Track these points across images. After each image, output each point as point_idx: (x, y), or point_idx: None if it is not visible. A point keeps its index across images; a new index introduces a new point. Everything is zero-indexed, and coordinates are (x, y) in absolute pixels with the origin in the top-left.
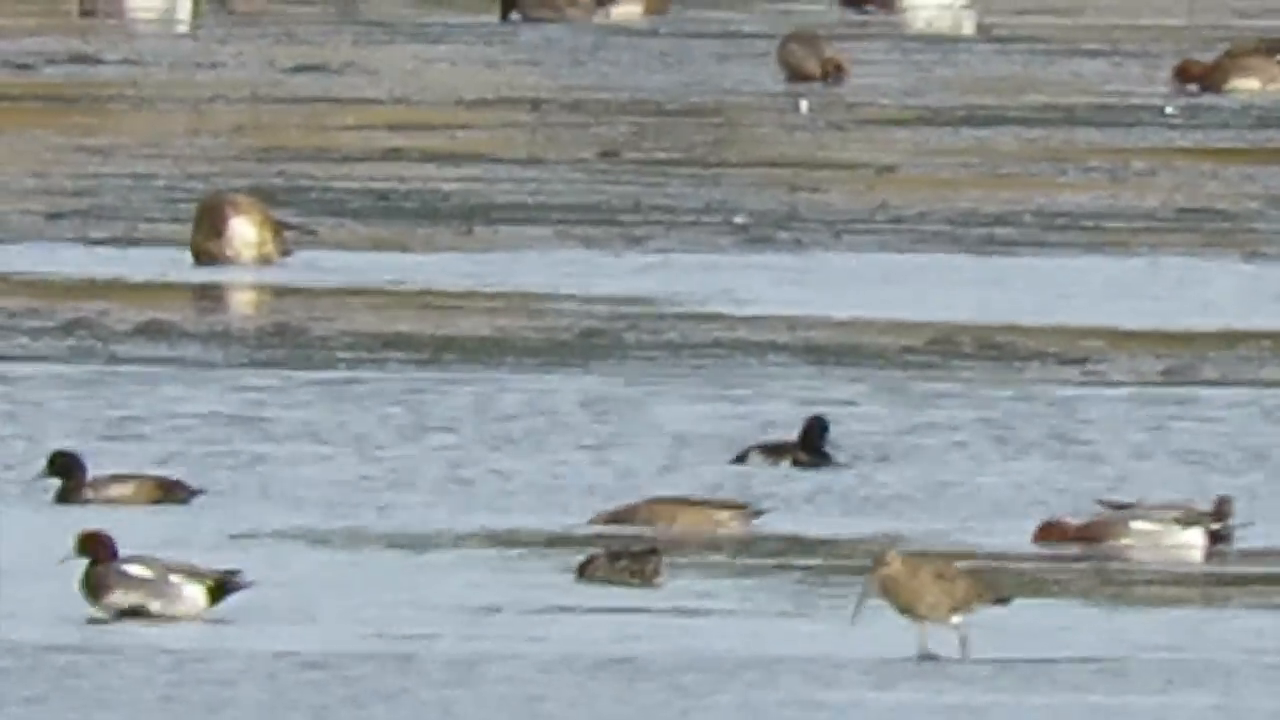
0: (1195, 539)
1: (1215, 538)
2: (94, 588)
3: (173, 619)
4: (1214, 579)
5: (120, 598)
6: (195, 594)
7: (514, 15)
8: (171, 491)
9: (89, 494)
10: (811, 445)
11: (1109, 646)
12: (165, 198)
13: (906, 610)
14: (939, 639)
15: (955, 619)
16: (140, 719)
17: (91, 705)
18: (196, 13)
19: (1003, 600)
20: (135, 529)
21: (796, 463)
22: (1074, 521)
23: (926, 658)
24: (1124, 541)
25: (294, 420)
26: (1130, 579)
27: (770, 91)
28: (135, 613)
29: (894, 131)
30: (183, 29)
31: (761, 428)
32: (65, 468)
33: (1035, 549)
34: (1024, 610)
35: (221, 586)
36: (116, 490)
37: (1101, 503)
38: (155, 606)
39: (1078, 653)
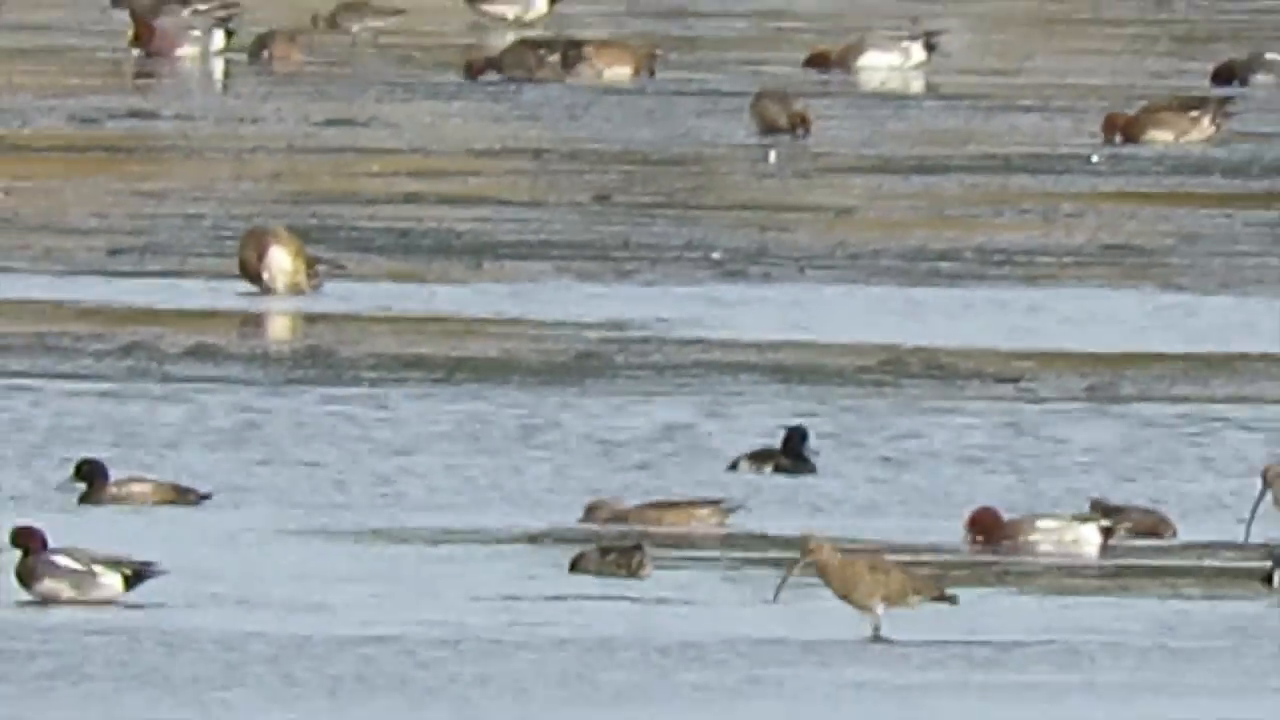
0: (1091, 534)
1: (1108, 533)
2: (26, 576)
3: (92, 603)
4: (1121, 570)
5: (49, 585)
6: (113, 581)
7: (490, 74)
8: (184, 495)
9: (110, 496)
10: (792, 452)
11: (1048, 631)
12: (211, 236)
13: (843, 597)
14: (889, 623)
15: (888, 607)
16: (165, 697)
17: (130, 684)
18: (228, 73)
19: (947, 598)
20: (152, 527)
21: (779, 468)
22: (1002, 515)
23: (878, 640)
24: (1032, 537)
25: (322, 431)
26: (1045, 571)
27: (743, 143)
28: (59, 598)
29: (852, 178)
30: (218, 88)
31: (736, 436)
32: (90, 473)
33: (963, 543)
34: (965, 598)
35: (137, 575)
36: (135, 491)
37: (1092, 502)
38: (76, 593)
39: (1026, 636)
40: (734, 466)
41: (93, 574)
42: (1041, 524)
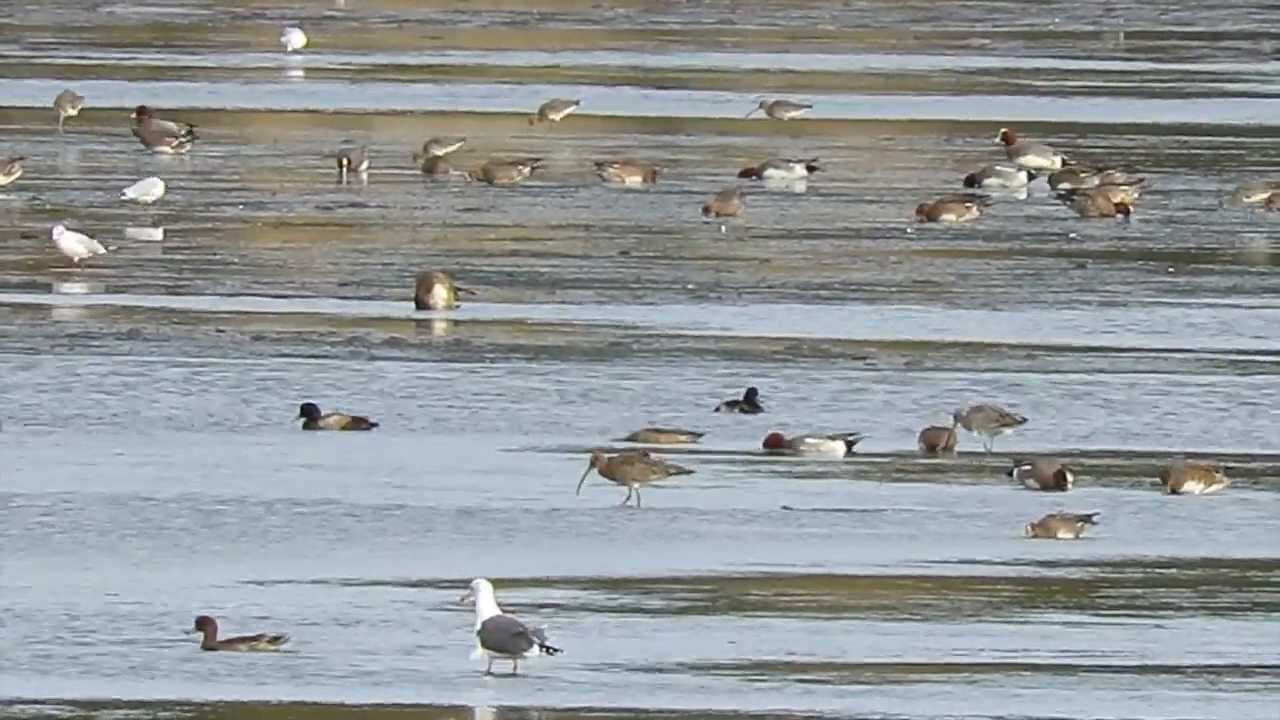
0: (839, 448)
1: (850, 446)
2: None
3: None
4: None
5: None
6: None
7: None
8: (360, 423)
9: (321, 426)
10: (751, 401)
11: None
12: (399, 274)
13: (617, 480)
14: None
15: (641, 483)
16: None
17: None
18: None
19: (685, 471)
20: (347, 445)
21: (744, 410)
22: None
23: (630, 506)
24: (802, 447)
25: (464, 385)
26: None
27: (705, 221)
28: None
29: (768, 242)
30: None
31: (713, 392)
32: (308, 411)
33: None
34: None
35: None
36: (333, 421)
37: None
38: None
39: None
40: (717, 409)
41: None
42: (808, 439)
